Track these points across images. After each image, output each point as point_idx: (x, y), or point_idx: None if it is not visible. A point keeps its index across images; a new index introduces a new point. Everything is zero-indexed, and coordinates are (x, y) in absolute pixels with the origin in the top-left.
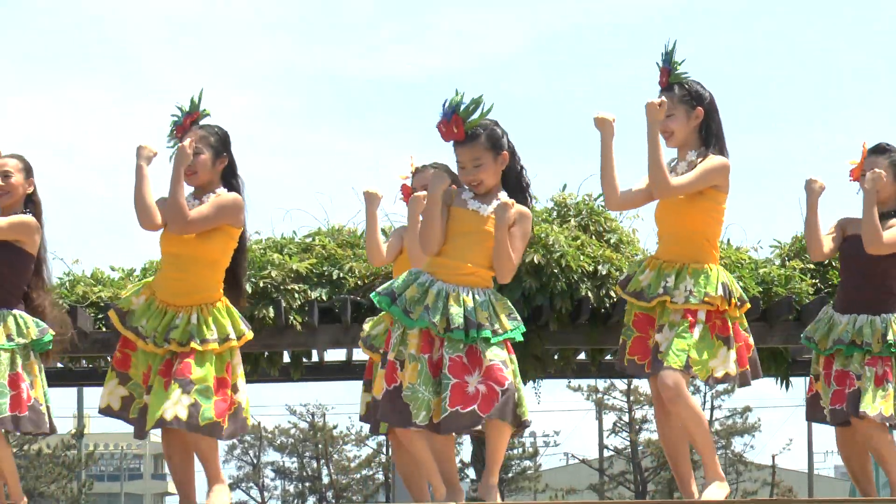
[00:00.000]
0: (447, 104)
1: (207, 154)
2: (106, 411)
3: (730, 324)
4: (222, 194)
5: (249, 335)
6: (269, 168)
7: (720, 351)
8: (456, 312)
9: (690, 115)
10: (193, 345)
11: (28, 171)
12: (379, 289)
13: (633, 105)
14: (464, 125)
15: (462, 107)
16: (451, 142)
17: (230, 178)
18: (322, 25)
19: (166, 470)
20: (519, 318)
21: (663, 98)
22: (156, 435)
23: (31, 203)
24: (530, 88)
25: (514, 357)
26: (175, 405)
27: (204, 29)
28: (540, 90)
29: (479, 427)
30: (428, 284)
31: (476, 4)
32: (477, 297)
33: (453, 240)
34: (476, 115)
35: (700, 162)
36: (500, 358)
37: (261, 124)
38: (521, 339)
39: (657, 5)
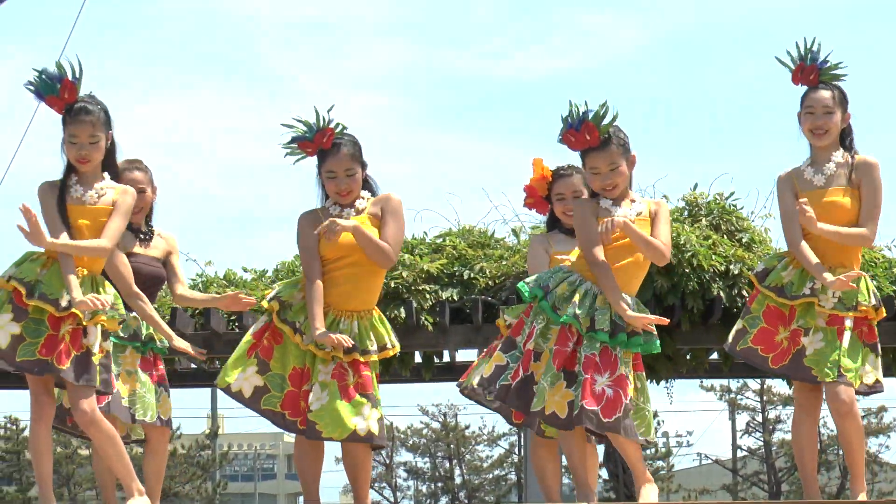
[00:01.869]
0: (572, 114)
1: (360, 171)
2: (236, 395)
3: (876, 330)
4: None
5: (398, 347)
6: (399, 169)
7: (869, 357)
8: (603, 315)
9: (843, 117)
10: (356, 355)
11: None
12: (528, 280)
13: (761, 101)
14: (598, 131)
15: (591, 113)
16: (581, 150)
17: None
18: (447, 27)
19: None
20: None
21: (810, 213)
22: (290, 436)
23: None
24: (658, 87)
25: (642, 375)
26: (367, 420)
27: (328, 32)
28: (668, 89)
29: (603, 432)
30: (577, 283)
31: (600, 4)
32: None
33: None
34: (608, 120)
35: (848, 162)
36: (630, 372)
37: (391, 126)
38: (658, 350)
39: (781, 3)
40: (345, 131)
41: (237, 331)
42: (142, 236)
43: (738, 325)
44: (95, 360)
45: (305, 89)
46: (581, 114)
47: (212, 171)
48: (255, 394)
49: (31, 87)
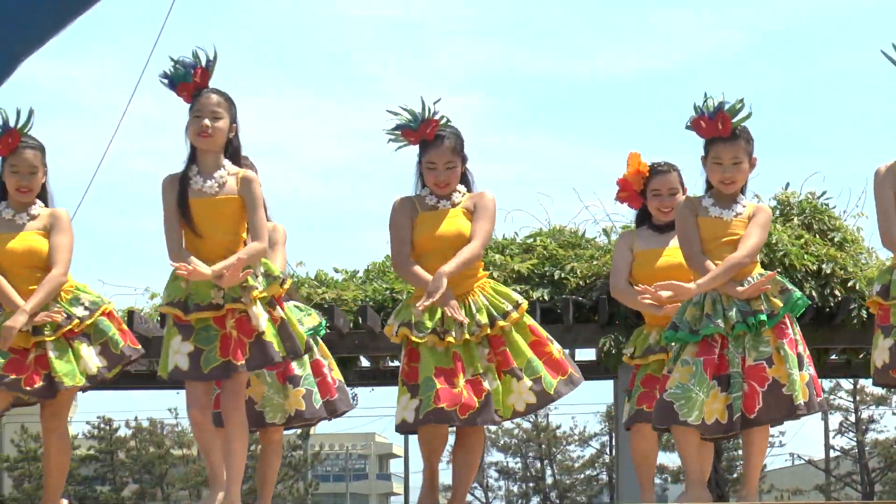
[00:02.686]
0: (707, 104)
1: (460, 165)
2: (403, 427)
3: None
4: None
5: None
6: (490, 170)
7: None
8: (732, 312)
9: None
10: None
11: None
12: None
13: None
14: (730, 122)
15: (728, 105)
16: (708, 139)
17: None
18: (538, 27)
19: (391, 470)
20: None
21: None
22: (381, 435)
23: None
24: (746, 86)
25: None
26: (522, 395)
27: (421, 32)
28: (757, 87)
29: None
30: (700, 298)
31: (692, 3)
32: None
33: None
34: (742, 116)
35: None
36: (765, 356)
37: (481, 126)
38: (804, 301)
39: None
40: (448, 124)
41: (328, 330)
42: None
43: (886, 344)
44: (267, 337)
45: (394, 90)
46: (717, 104)
47: (303, 172)
48: (423, 418)
49: (165, 79)
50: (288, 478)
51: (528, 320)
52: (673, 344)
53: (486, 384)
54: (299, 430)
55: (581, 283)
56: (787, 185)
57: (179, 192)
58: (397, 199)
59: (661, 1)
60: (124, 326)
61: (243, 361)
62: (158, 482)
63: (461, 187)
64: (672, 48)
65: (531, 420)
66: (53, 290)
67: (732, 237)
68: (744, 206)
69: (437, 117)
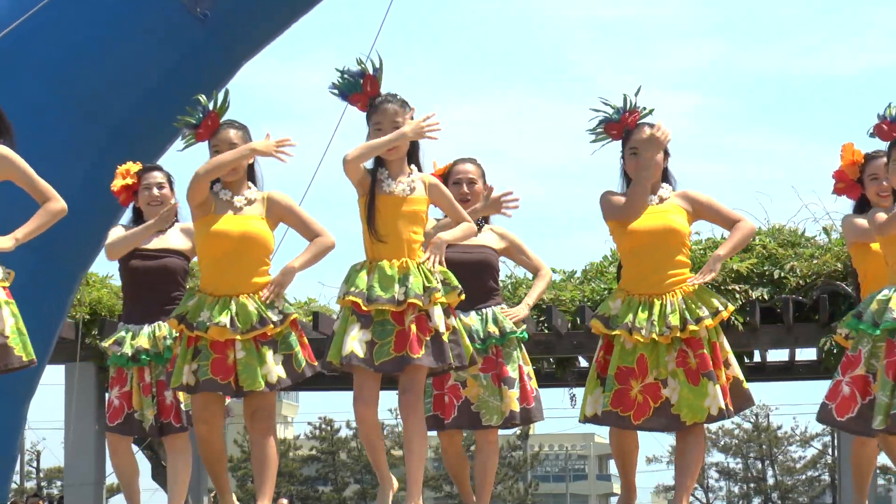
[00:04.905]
0: (890, 110)
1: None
2: (593, 420)
3: None
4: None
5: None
6: (707, 168)
7: None
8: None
9: None
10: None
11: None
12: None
13: None
14: None
15: None
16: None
17: None
18: (757, 25)
19: (611, 471)
20: None
21: None
22: (600, 436)
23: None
24: None
25: None
26: (716, 399)
27: (634, 32)
28: None
29: None
30: (890, 291)
31: None
32: None
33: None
34: None
35: None
36: None
37: (699, 125)
38: None
39: None
40: (649, 114)
41: (546, 331)
42: None
43: None
44: (445, 338)
45: (611, 90)
46: None
47: (520, 172)
48: (602, 416)
49: (335, 90)
50: (508, 478)
51: (716, 335)
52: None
53: (664, 391)
54: (519, 431)
55: (801, 282)
56: None
57: (370, 193)
58: (605, 192)
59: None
60: (305, 339)
61: (419, 355)
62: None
63: (665, 185)
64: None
65: (752, 420)
66: (320, 252)
67: None
68: None
69: (639, 109)
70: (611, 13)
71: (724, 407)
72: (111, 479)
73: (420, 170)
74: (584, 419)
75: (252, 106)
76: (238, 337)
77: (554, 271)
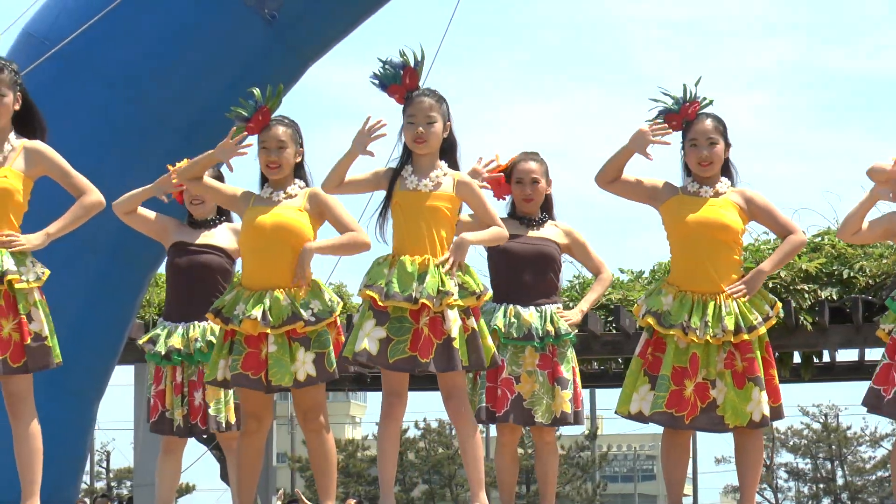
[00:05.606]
0: None
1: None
2: (636, 417)
3: None
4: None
5: None
6: (776, 167)
7: None
8: None
9: None
10: (743, 335)
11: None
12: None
13: None
14: None
15: None
16: None
17: None
18: (831, 24)
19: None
20: None
21: None
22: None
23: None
24: None
25: None
26: (760, 404)
27: (705, 31)
28: None
29: None
30: None
31: None
32: None
33: None
34: None
35: None
36: None
37: (766, 125)
38: None
39: None
40: (710, 105)
41: (615, 332)
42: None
43: None
44: (456, 343)
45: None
46: None
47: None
48: (651, 416)
49: (375, 80)
50: (576, 478)
51: (765, 336)
52: None
53: (712, 391)
54: (587, 431)
55: (870, 281)
56: None
57: (389, 186)
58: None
59: None
60: (342, 338)
61: (428, 360)
62: (447, 483)
63: (724, 178)
64: None
65: (821, 420)
66: (348, 244)
67: None
68: None
69: (698, 99)
70: (679, 13)
71: (767, 414)
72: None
73: (456, 168)
74: (628, 415)
75: (317, 105)
76: (269, 331)
77: (622, 271)
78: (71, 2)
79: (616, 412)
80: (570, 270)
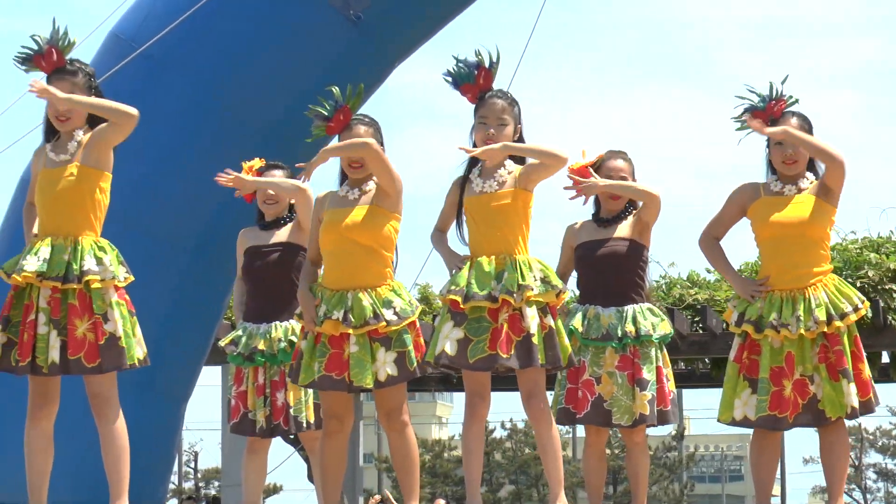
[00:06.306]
0: None
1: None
2: (742, 423)
3: None
4: None
5: None
6: (863, 167)
7: None
8: None
9: None
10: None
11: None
12: None
13: None
14: None
15: None
16: None
17: None
18: None
19: None
20: None
21: None
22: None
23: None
24: None
25: None
26: (851, 396)
27: (787, 31)
28: None
29: None
30: None
31: None
32: None
33: None
34: None
35: None
36: None
37: (853, 124)
38: None
39: None
40: (795, 104)
41: (701, 332)
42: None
43: None
44: (535, 339)
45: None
46: None
47: (677, 173)
48: (757, 421)
49: (448, 77)
50: (663, 479)
51: (854, 330)
52: None
53: (811, 387)
54: (674, 431)
55: None
56: None
57: (460, 191)
58: (744, 185)
59: None
60: (421, 340)
61: (509, 356)
62: (534, 483)
63: (809, 174)
64: None
65: None
66: (358, 147)
67: None
68: None
69: (784, 98)
70: (763, 13)
71: (856, 407)
72: (269, 479)
73: (522, 163)
74: (733, 421)
75: (402, 105)
76: (351, 331)
77: (708, 271)
78: (158, 4)
79: (719, 420)
80: (655, 270)
